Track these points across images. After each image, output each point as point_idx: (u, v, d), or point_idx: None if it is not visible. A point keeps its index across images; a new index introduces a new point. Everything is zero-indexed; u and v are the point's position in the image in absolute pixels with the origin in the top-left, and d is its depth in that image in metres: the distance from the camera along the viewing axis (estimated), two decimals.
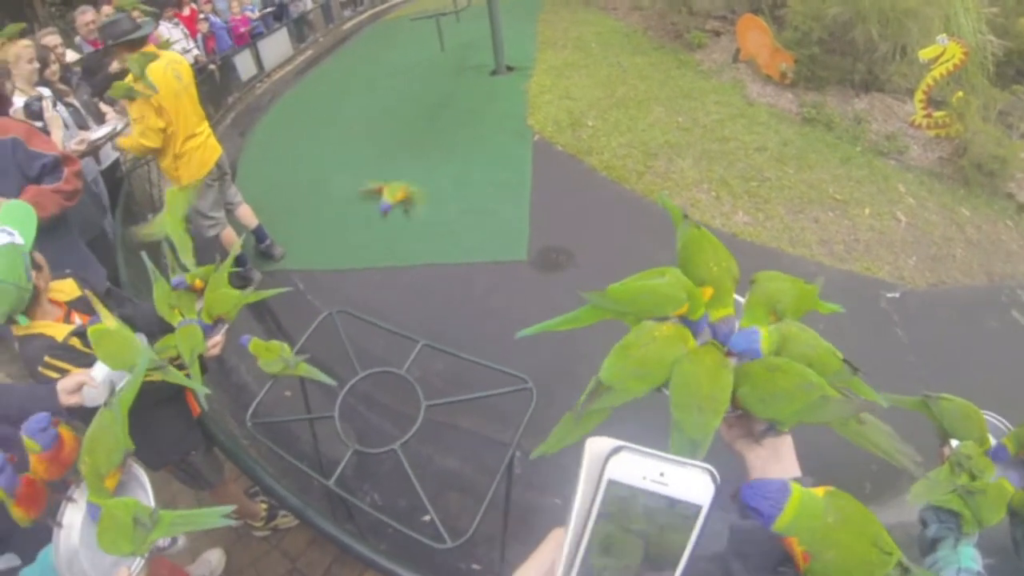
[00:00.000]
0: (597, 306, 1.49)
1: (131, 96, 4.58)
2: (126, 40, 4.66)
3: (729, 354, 1.39)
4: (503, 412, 3.89)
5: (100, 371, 2.25)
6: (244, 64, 10.84)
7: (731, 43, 9.59)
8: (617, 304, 1.47)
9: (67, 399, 2.20)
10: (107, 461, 1.95)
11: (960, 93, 7.38)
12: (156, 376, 2.29)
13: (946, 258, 6.15)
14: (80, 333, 2.48)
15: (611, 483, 0.66)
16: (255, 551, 3.73)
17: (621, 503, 0.67)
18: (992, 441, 2.12)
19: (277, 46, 11.86)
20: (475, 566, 3.60)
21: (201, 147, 5.15)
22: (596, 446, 0.73)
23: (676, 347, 1.34)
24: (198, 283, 2.59)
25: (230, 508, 1.88)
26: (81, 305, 2.61)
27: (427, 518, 2.41)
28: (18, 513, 1.92)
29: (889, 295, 5.70)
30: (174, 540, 2.11)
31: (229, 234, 5.58)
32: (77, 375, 2.23)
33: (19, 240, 2.35)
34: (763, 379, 1.33)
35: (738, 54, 9.29)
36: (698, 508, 0.66)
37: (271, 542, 3.77)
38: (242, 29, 11.66)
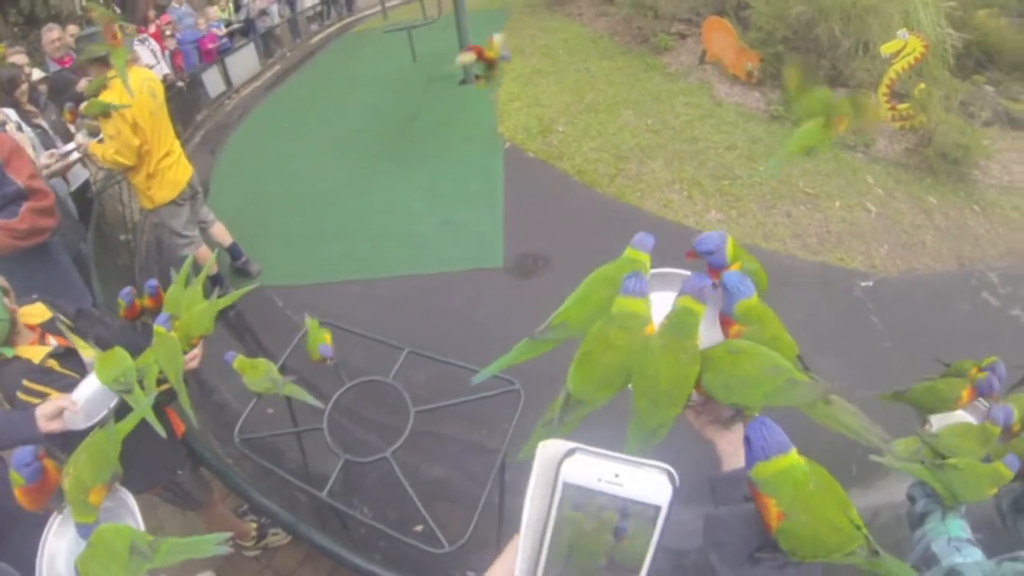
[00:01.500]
0: (546, 337, 1.47)
1: (107, 113, 4.49)
2: (95, 58, 4.58)
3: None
4: (490, 418, 3.88)
5: (81, 394, 2.22)
6: (212, 81, 10.75)
7: (697, 45, 9.67)
8: (572, 331, 1.45)
9: (47, 425, 2.16)
10: (93, 475, 1.93)
11: (922, 85, 7.52)
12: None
13: (916, 245, 6.25)
14: (57, 355, 2.46)
15: (567, 486, 0.66)
16: (247, 571, 3.68)
17: (578, 506, 0.68)
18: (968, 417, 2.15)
19: (245, 62, 11.78)
20: (470, 573, 3.59)
21: (173, 166, 5.10)
22: (549, 449, 0.74)
23: (634, 347, 1.31)
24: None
25: (226, 536, 1.85)
26: (53, 326, 2.57)
27: (419, 528, 2.40)
28: (22, 499, 1.93)
29: (863, 284, 5.77)
30: None
31: (204, 252, 5.51)
32: (57, 400, 2.20)
33: None
34: (727, 363, 1.31)
35: (704, 56, 9.37)
36: (657, 509, 0.66)
37: (262, 561, 3.73)
38: (209, 45, 11.60)
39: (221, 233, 5.86)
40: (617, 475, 0.66)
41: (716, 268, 1.46)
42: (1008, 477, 1.78)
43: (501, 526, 2.99)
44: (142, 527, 1.96)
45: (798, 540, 1.12)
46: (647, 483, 0.66)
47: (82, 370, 2.37)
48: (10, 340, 2.39)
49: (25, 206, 3.59)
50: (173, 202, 5.16)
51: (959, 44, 7.87)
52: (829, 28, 7.92)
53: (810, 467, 1.14)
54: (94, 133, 5.09)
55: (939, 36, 7.59)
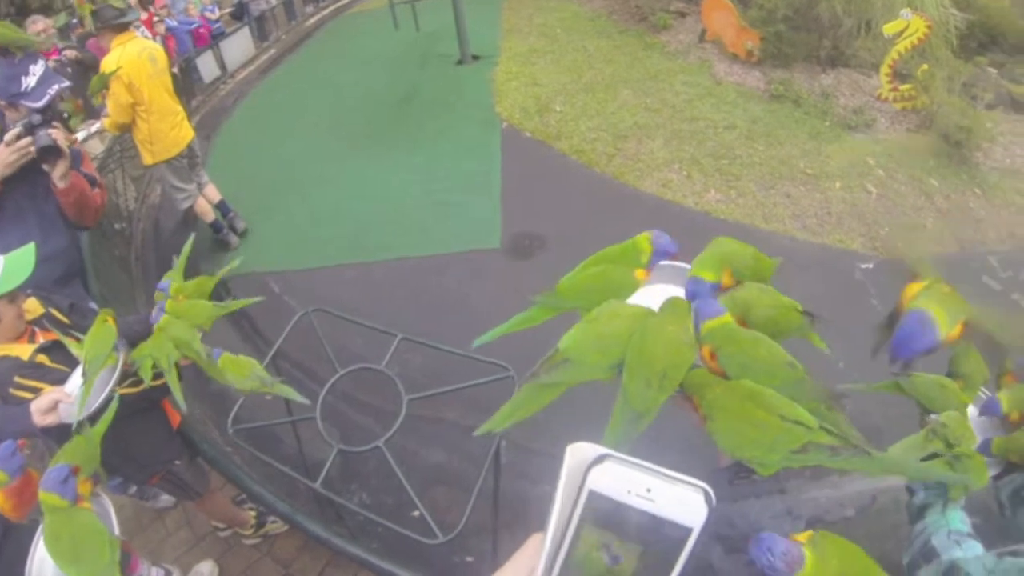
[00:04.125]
0: (547, 305, 1.48)
1: (107, 84, 5.09)
2: (114, 24, 5.17)
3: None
4: (485, 402, 3.81)
5: (75, 385, 2.20)
6: (206, 66, 10.59)
7: (696, 24, 9.58)
8: (568, 300, 1.46)
9: (42, 419, 2.13)
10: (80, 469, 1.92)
11: (925, 66, 7.44)
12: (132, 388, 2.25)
13: (917, 228, 6.19)
14: (46, 349, 2.42)
15: (592, 494, 0.61)
16: (247, 559, 3.66)
17: (602, 516, 0.63)
18: (973, 411, 2.14)
19: (239, 46, 11.61)
20: (468, 558, 3.57)
21: (176, 127, 5.62)
22: (578, 453, 0.69)
23: (639, 320, 1.32)
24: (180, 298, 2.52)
25: None
26: (45, 323, 2.52)
27: (416, 514, 2.37)
28: (4, 504, 1.90)
29: (863, 266, 5.72)
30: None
31: (202, 204, 6.05)
32: (51, 393, 2.17)
33: None
34: (748, 343, 1.32)
35: (704, 34, 9.29)
36: (688, 531, 0.61)
37: (262, 549, 3.70)
38: (202, 30, 11.46)
39: (212, 192, 6.27)
40: (649, 489, 0.60)
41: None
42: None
43: (497, 511, 2.95)
44: (117, 532, 1.96)
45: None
46: (681, 501, 0.60)
47: (74, 363, 2.32)
48: None
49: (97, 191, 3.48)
50: (172, 160, 5.67)
51: (962, 25, 7.80)
52: (831, 7, 7.82)
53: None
54: None
55: (942, 17, 7.51)
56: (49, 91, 3.12)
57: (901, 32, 7.24)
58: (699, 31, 9.39)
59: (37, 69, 3.15)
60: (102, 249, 5.02)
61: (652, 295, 1.49)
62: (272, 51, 12.32)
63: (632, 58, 9.29)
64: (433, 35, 10.32)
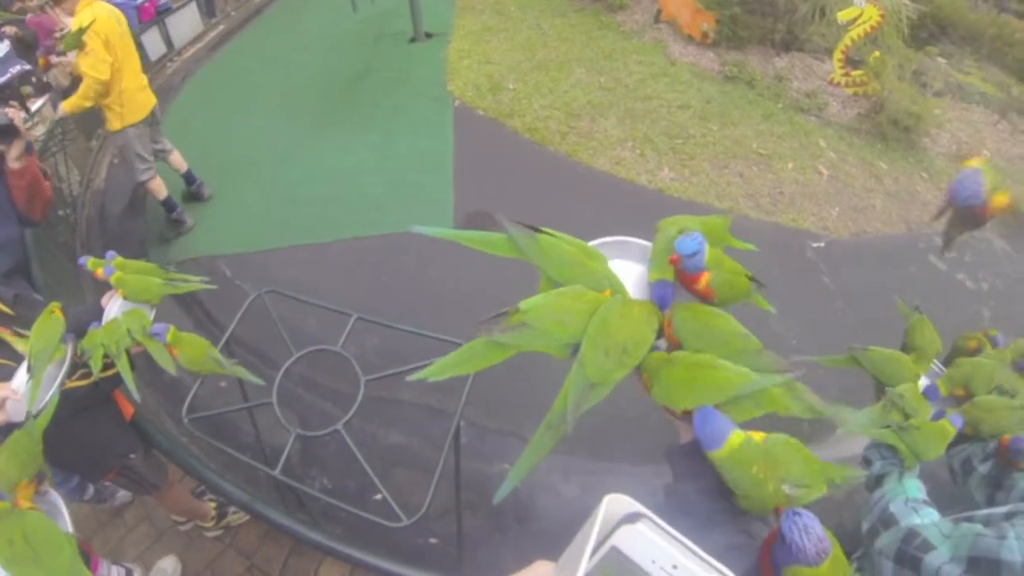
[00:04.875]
0: (515, 244, 1.45)
1: (82, 43, 4.96)
2: None
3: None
4: (443, 382, 3.81)
5: (21, 382, 2.11)
6: (152, 43, 10.15)
7: (652, 4, 9.56)
8: (541, 256, 1.43)
9: None
10: (18, 471, 1.86)
11: (877, 53, 7.58)
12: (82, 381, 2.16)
13: (867, 208, 6.34)
14: None
15: (614, 551, 0.59)
16: (209, 552, 3.59)
17: (617, 571, 0.60)
18: (925, 382, 2.22)
19: (187, 22, 11.18)
20: (432, 540, 3.55)
21: (143, 90, 5.57)
22: (615, 504, 0.66)
23: (604, 305, 1.33)
24: (99, 272, 2.42)
25: None
26: None
27: (379, 497, 2.33)
28: None
29: (815, 245, 5.85)
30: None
31: (158, 182, 5.87)
32: None
33: None
34: (704, 314, 1.36)
35: (659, 15, 9.28)
36: None
37: (224, 541, 3.63)
38: (148, 5, 11.06)
39: (178, 160, 6.21)
40: (675, 567, 0.57)
41: (694, 272, 1.45)
42: (952, 433, 1.86)
43: (459, 492, 2.93)
44: (71, 530, 1.87)
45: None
46: None
47: (20, 358, 2.22)
48: None
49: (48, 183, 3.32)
50: (139, 123, 5.55)
51: (914, 15, 7.90)
52: None
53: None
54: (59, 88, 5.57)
55: (895, 6, 7.61)
56: (11, 70, 3.01)
57: (855, 19, 7.33)
58: (655, 11, 9.37)
59: (1, 48, 3.04)
60: (46, 237, 4.84)
61: (617, 271, 1.48)
62: (221, 27, 11.93)
63: (587, 37, 9.24)
64: (386, 12, 10.13)
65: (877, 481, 1.91)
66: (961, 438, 2.01)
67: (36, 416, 2.02)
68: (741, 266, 1.49)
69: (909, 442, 1.86)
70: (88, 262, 2.44)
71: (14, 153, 2.90)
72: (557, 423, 1.26)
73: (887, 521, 1.75)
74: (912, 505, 1.75)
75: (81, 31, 4.91)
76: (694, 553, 0.59)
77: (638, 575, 0.58)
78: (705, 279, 1.43)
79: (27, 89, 6.11)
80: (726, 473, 1.16)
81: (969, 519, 1.65)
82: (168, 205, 6.03)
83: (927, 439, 1.85)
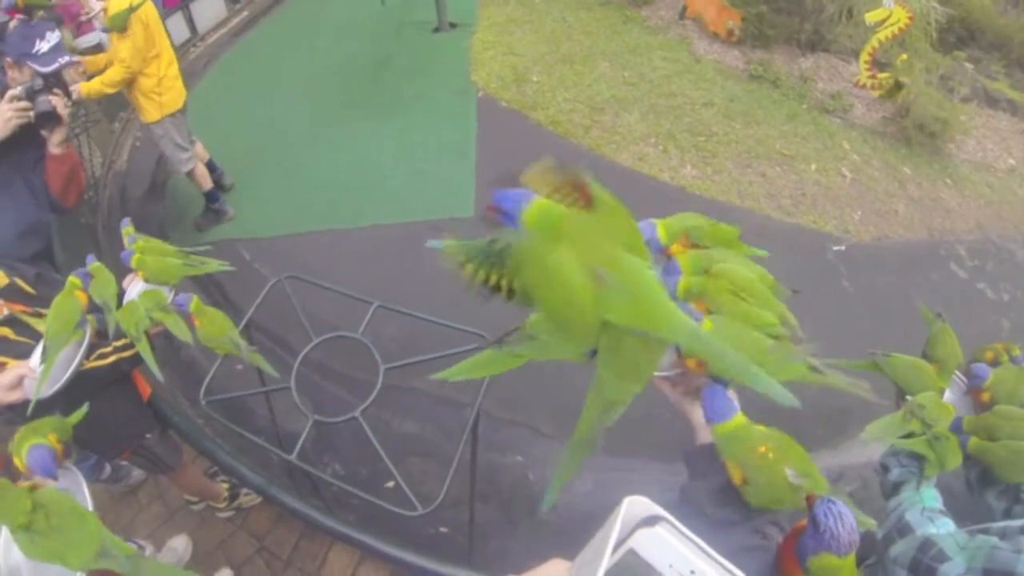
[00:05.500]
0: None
1: (125, 26, 4.70)
2: None
3: None
4: None
5: (39, 360, 2.12)
6: (176, 28, 10.15)
7: (677, 0, 9.52)
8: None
9: (7, 395, 2.05)
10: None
11: (904, 56, 7.52)
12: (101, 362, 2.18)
13: (889, 213, 6.28)
14: (10, 321, 2.32)
15: (631, 553, 0.59)
16: (221, 533, 3.61)
17: (634, 573, 0.60)
18: (949, 395, 2.20)
19: (211, 7, 11.20)
20: (443, 529, 3.56)
21: (178, 78, 5.39)
22: (635, 507, 0.66)
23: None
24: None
25: None
26: (9, 293, 2.44)
27: (391, 485, 2.34)
28: None
29: (835, 248, 5.81)
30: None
31: (201, 170, 5.78)
32: (16, 368, 2.08)
33: None
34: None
35: (684, 11, 9.21)
36: None
37: (236, 522, 3.65)
38: None
39: (201, 150, 6.03)
40: (693, 572, 0.57)
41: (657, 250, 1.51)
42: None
43: (474, 483, 2.94)
44: (90, 507, 1.87)
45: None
46: None
47: (39, 336, 2.24)
48: None
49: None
50: (177, 113, 5.39)
51: (942, 19, 7.82)
52: None
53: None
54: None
55: (924, 9, 7.53)
56: (60, 59, 3.06)
57: (883, 21, 7.23)
58: (680, 7, 9.30)
59: (52, 37, 3.10)
60: (68, 218, 4.89)
61: None
62: (245, 13, 11.95)
63: (611, 31, 9.18)
64: (411, 1, 10.12)
65: (894, 489, 1.90)
66: None
67: (64, 400, 2.05)
68: (761, 269, 1.49)
69: (939, 452, 1.84)
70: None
71: (56, 139, 2.91)
72: (584, 442, 1.27)
73: (903, 530, 1.74)
74: (928, 515, 1.74)
75: (131, 9, 4.66)
76: (711, 557, 0.59)
77: None
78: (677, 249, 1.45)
79: None
80: (728, 450, 1.21)
81: (985, 531, 1.63)
82: (211, 196, 5.99)
83: (953, 449, 1.84)
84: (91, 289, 2.24)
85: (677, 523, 0.60)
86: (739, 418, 1.24)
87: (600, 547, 0.63)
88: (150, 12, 4.87)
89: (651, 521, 0.59)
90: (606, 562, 0.60)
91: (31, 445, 1.85)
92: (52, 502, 1.71)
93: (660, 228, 1.54)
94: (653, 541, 0.59)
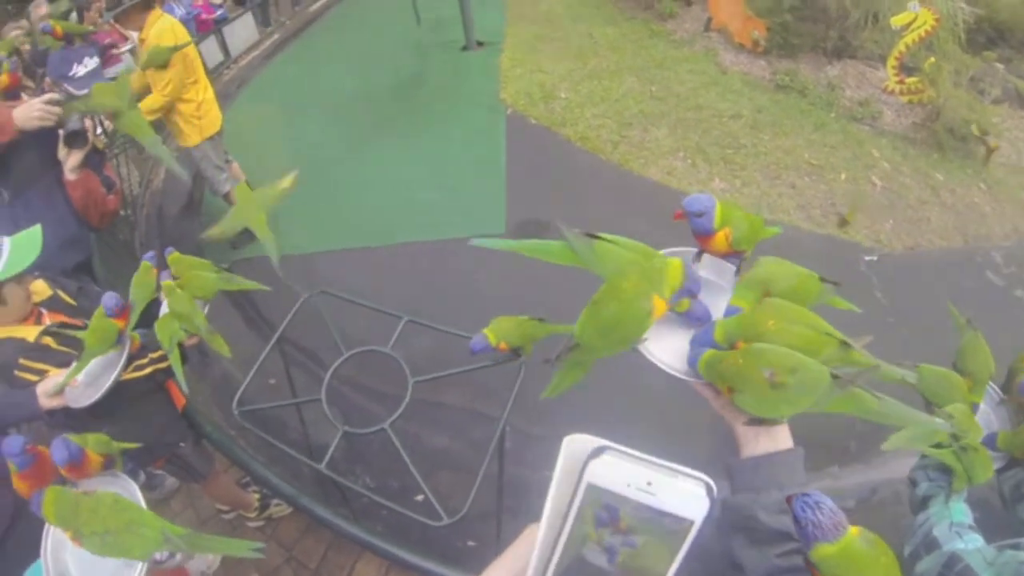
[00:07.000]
0: (573, 249, 1.42)
1: (166, 62, 4.67)
2: None
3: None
4: (490, 386, 3.85)
5: (83, 371, 2.18)
6: (209, 51, 10.40)
7: (702, 12, 9.52)
8: (598, 263, 1.40)
9: (48, 403, 2.14)
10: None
11: (932, 59, 7.38)
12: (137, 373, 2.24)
13: (922, 221, 6.20)
14: (52, 332, 2.41)
15: (591, 487, 0.61)
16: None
17: (601, 509, 0.62)
18: (983, 408, 2.14)
19: (243, 31, 11.45)
20: (471, 543, 3.58)
21: (214, 102, 5.46)
22: (575, 444, 0.69)
23: (640, 306, 1.29)
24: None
25: (260, 545, 1.81)
26: (52, 304, 2.52)
27: (420, 498, 2.37)
28: (21, 486, 1.88)
29: (867, 258, 5.75)
30: (171, 555, 2.08)
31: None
32: (57, 376, 2.16)
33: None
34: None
35: (710, 23, 9.23)
36: (689, 523, 0.60)
37: (265, 532, 3.70)
38: (205, 16, 11.31)
39: (236, 170, 6.09)
40: (650, 483, 0.60)
41: (702, 233, 1.43)
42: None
43: (501, 496, 2.96)
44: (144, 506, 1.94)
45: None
46: (682, 494, 0.60)
47: (80, 345, 2.31)
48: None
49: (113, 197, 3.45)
50: (215, 136, 5.48)
51: (970, 19, 7.71)
52: None
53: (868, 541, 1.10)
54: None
55: (950, 10, 7.45)
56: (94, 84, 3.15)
57: (909, 24, 7.17)
58: (705, 20, 9.33)
59: (91, 62, 3.20)
60: (107, 234, 5.02)
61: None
62: (276, 36, 12.18)
63: (637, 46, 9.24)
64: (438, 21, 10.23)
65: (923, 503, 1.87)
66: (1013, 462, 1.95)
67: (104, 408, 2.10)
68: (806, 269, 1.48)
69: (967, 464, 1.79)
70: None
71: (72, 163, 2.99)
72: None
73: (930, 545, 1.72)
74: (956, 530, 1.71)
75: (174, 49, 4.65)
76: (663, 466, 0.61)
77: (618, 502, 0.60)
78: (724, 235, 1.41)
79: None
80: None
81: (1015, 546, 1.60)
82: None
83: (982, 461, 1.79)
84: (132, 283, 2.32)
85: (621, 447, 0.62)
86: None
87: (562, 496, 0.65)
88: (189, 45, 4.97)
89: (598, 452, 0.61)
90: (578, 502, 0.62)
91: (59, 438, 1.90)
92: (105, 504, 1.77)
93: (719, 208, 1.44)
94: (605, 468, 0.60)
